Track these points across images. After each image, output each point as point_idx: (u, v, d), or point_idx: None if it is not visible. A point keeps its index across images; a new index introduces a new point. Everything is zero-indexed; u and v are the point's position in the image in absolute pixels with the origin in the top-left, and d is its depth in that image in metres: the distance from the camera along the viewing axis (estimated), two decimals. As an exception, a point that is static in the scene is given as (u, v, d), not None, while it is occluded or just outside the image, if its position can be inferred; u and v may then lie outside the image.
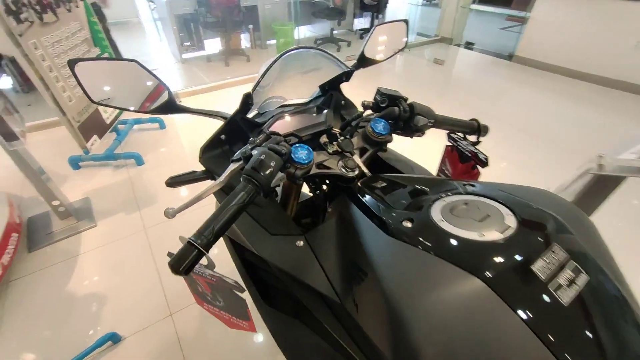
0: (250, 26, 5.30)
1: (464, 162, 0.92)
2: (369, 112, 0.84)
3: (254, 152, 0.62)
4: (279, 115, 0.88)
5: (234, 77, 4.23)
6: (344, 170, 0.72)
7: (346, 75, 0.94)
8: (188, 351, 1.46)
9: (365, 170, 0.74)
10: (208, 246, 0.50)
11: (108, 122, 2.59)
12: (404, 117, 0.77)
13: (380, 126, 0.77)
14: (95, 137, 2.40)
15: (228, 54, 4.98)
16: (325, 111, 0.95)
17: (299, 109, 0.93)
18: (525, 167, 2.65)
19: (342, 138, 0.75)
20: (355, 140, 0.78)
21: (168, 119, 3.32)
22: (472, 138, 0.87)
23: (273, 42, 5.45)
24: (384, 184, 0.67)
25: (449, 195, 0.56)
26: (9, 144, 1.62)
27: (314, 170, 0.69)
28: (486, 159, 0.84)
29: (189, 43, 5.06)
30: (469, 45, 5.67)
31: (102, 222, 2.10)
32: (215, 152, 0.85)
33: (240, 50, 5.11)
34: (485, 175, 0.87)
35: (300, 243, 0.66)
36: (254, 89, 0.83)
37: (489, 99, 3.83)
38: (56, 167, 2.57)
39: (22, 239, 1.93)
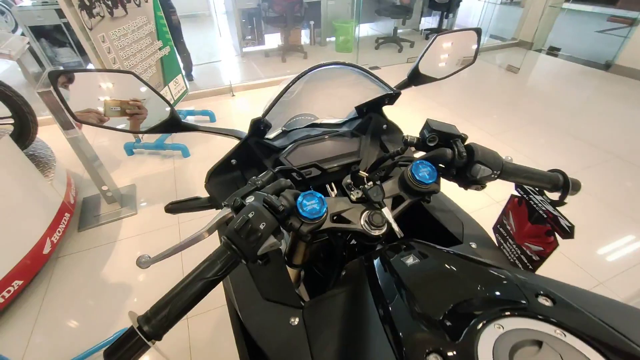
0: (312, 22, 5.22)
1: (535, 222, 0.69)
2: (411, 150, 0.66)
3: (248, 200, 0.49)
4: (301, 141, 0.74)
5: (289, 74, 4.19)
6: (367, 226, 0.56)
7: (389, 98, 0.76)
8: (197, 356, 1.42)
9: (396, 229, 0.56)
10: (158, 336, 0.38)
11: (162, 112, 2.70)
12: (459, 163, 0.57)
13: (425, 172, 0.59)
14: (148, 126, 2.52)
15: (286, 49, 4.98)
16: (361, 138, 0.79)
17: (328, 132, 0.78)
18: (619, 208, 2.16)
19: (370, 183, 0.58)
20: (390, 184, 0.61)
21: (220, 112, 3.39)
22: (553, 195, 0.64)
23: (333, 39, 5.31)
24: (418, 259, 0.49)
25: (512, 315, 0.36)
26: (65, 132, 1.73)
27: (327, 224, 0.54)
28: (571, 228, 0.60)
29: (250, 37, 5.15)
30: (553, 51, 4.92)
31: (142, 211, 2.18)
32: (224, 177, 0.74)
33: (299, 47, 5.06)
34: (567, 213, 0.62)
35: (295, 321, 0.52)
36: (267, 111, 0.70)
37: (573, 116, 3.24)
38: (114, 152, 2.76)
39: (74, 218, 2.08)
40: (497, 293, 0.41)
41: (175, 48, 3.02)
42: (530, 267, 0.72)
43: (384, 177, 0.66)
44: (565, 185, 0.60)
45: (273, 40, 5.28)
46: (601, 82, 3.99)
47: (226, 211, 0.50)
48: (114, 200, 2.15)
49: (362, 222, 0.56)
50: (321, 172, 0.73)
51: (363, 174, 0.59)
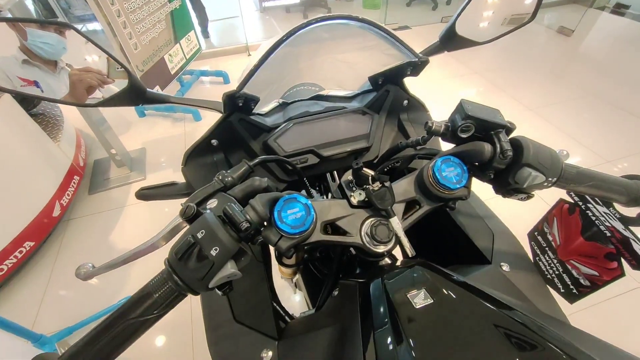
0: (337, -27, 4.75)
1: (591, 239, 0.53)
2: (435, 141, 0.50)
3: (208, 209, 0.36)
4: (298, 120, 0.60)
5: (310, 32, 3.87)
6: (369, 240, 0.43)
7: (413, 68, 0.59)
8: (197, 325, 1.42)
9: (407, 246, 0.43)
10: None
11: (173, 72, 2.56)
12: (500, 164, 0.41)
13: (452, 172, 0.43)
14: (157, 87, 2.39)
15: (308, 4, 4.58)
16: (374, 117, 0.63)
17: (333, 108, 0.63)
18: None
19: (377, 184, 0.43)
20: (404, 185, 0.46)
21: (234, 73, 3.21)
22: (627, 210, 0.47)
23: (360, -7, 4.83)
24: (430, 298, 0.35)
25: None
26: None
27: (315, 237, 0.41)
28: (647, 258, 0.45)
29: (271, -10, 4.76)
30: (619, 9, 4.21)
31: (151, 176, 2.14)
32: (204, 160, 0.61)
33: (323, 2, 4.64)
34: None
35: (268, 356, 0.41)
36: (244, 83, 0.55)
37: (633, 89, 2.81)
38: (126, 113, 2.69)
39: (85, 180, 2.07)
40: None
41: (188, 0, 2.80)
42: (575, 291, 0.57)
43: (397, 174, 0.52)
44: (647, 198, 0.43)
45: (295, -6, 4.86)
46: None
47: (176, 222, 0.39)
48: (123, 164, 2.11)
49: (363, 234, 0.43)
50: (320, 159, 0.59)
51: (367, 171, 0.44)
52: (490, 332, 0.31)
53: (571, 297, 0.58)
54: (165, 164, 2.23)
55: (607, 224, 0.50)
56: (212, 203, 0.37)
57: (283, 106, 0.68)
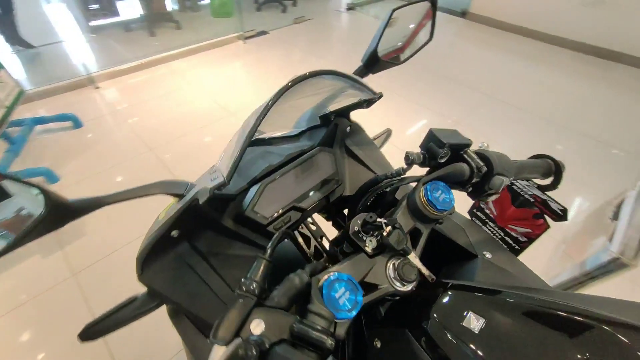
0: (175, -18, 4.39)
1: (521, 206, 0.68)
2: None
3: (258, 336, 0.30)
4: (267, 180, 0.54)
5: (166, 51, 3.49)
6: (398, 282, 0.44)
7: (368, 102, 0.62)
8: None
9: (427, 273, 0.46)
10: None
11: (-8, 129, 1.92)
12: (477, 178, 0.49)
13: (442, 194, 0.48)
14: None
15: (152, 19, 4.10)
16: (335, 154, 0.63)
17: (294, 155, 0.60)
18: (480, 129, 2.57)
19: (389, 228, 0.44)
20: (401, 218, 0.49)
21: (86, 113, 2.64)
22: (541, 181, 0.62)
23: (207, 1, 4.61)
24: (482, 317, 0.39)
25: None
26: None
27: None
28: (564, 211, 0.60)
29: (96, 6, 4.03)
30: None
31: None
32: (166, 258, 0.50)
33: (167, 15, 4.23)
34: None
35: None
36: (233, 169, 0.46)
37: (444, 59, 3.65)
38: None
39: None
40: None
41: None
42: (517, 247, 0.72)
43: (386, 207, 0.54)
44: (558, 171, 0.58)
45: (130, 9, 4.26)
46: (460, 29, 4.56)
47: (220, 352, 0.31)
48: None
49: (392, 279, 0.44)
50: (302, 213, 0.56)
51: (380, 220, 0.45)
52: (542, 322, 0.37)
53: (515, 252, 0.73)
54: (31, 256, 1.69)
55: (530, 193, 0.65)
56: (257, 325, 0.32)
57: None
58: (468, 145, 0.50)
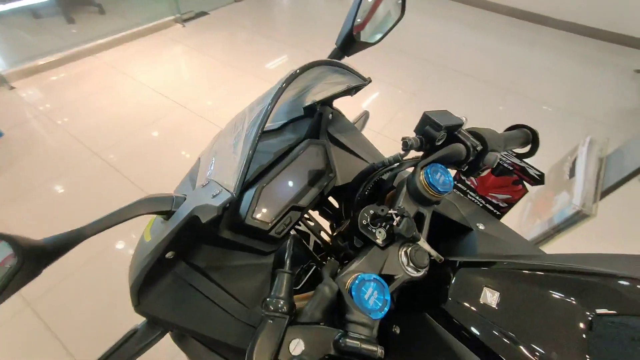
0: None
1: (500, 175, 0.72)
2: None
3: (299, 356, 0.28)
4: (263, 179, 0.50)
5: (92, 40, 3.08)
6: (412, 269, 0.44)
7: (355, 89, 0.59)
8: None
9: (435, 254, 0.47)
10: None
11: None
12: (472, 157, 0.50)
13: (442, 177, 0.49)
14: None
15: (67, 3, 3.56)
16: (326, 145, 0.60)
17: (283, 152, 0.56)
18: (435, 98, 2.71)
19: (398, 218, 0.44)
20: (403, 203, 0.49)
21: (3, 117, 2.27)
22: (518, 149, 0.66)
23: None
24: (496, 290, 0.41)
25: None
26: None
27: None
28: (541, 175, 0.65)
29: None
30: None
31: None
32: (164, 282, 0.45)
33: (87, -3, 3.70)
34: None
35: None
36: (243, 178, 0.41)
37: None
38: None
39: None
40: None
41: None
42: (498, 213, 0.77)
43: (384, 194, 0.53)
44: (535, 138, 0.62)
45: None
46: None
47: None
48: None
49: (406, 267, 0.44)
50: (301, 212, 0.53)
51: (391, 211, 0.44)
52: (548, 286, 0.40)
53: (496, 217, 0.78)
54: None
55: (509, 161, 0.69)
56: (297, 345, 0.30)
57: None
58: (461, 124, 0.50)
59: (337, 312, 0.34)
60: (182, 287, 0.45)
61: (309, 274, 0.67)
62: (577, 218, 0.76)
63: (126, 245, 1.67)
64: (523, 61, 3.40)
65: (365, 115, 0.83)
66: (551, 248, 0.87)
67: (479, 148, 0.49)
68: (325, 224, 0.76)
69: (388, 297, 0.37)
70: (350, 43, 0.65)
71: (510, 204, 0.74)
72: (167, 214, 0.44)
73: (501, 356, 0.36)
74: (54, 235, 0.34)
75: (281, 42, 3.44)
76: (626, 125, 2.72)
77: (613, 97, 3.02)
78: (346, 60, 0.69)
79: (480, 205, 0.79)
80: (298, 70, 0.42)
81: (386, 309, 0.36)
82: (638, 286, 0.37)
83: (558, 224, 0.79)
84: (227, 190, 0.38)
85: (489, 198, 0.77)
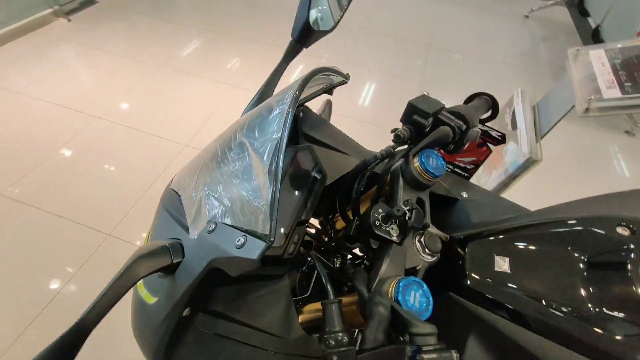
0: None
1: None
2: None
3: None
4: None
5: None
6: (428, 257, 0.46)
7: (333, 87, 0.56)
8: None
9: (442, 235, 0.49)
10: None
11: None
12: (457, 135, 0.52)
13: (435, 161, 0.50)
14: None
15: None
16: (309, 147, 0.58)
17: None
18: (365, 64, 2.80)
19: (407, 208, 0.45)
20: (402, 193, 0.50)
21: None
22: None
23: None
24: (505, 256, 0.45)
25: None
26: None
27: None
28: (503, 136, 0.71)
29: None
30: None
31: None
32: (187, 343, 0.40)
33: None
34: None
35: None
36: (275, 217, 0.36)
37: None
38: None
39: None
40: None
41: None
42: (466, 175, 0.84)
43: (381, 187, 0.53)
44: (495, 103, 0.66)
45: None
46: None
47: None
48: None
49: (424, 256, 0.46)
50: (306, 222, 0.51)
51: (403, 208, 0.44)
52: (545, 241, 0.45)
53: (465, 178, 0.85)
54: None
55: (472, 127, 0.74)
56: None
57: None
58: (443, 107, 0.52)
59: (393, 326, 0.34)
60: (209, 339, 0.41)
61: (314, 277, 0.66)
62: (527, 164, 0.87)
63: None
64: (431, 16, 3.62)
65: (329, 104, 0.80)
66: (509, 193, 1.00)
67: (464, 127, 0.51)
68: (313, 221, 0.75)
69: (429, 294, 0.38)
70: (307, 34, 0.60)
71: (477, 165, 0.80)
72: (169, 268, 0.39)
73: (527, 314, 0.40)
74: (52, 344, 0.28)
75: (190, 26, 3.12)
76: (526, 65, 3.12)
77: (510, 41, 3.41)
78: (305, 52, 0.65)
79: (449, 170, 0.85)
80: (297, 93, 0.38)
81: (431, 307, 0.37)
82: (615, 225, 0.44)
83: (513, 173, 0.90)
84: (258, 238, 0.34)
85: (457, 162, 0.82)
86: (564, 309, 0.39)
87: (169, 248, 0.40)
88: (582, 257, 0.42)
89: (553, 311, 0.39)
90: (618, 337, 0.33)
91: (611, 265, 0.40)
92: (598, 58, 0.94)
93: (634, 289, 0.35)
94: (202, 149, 0.56)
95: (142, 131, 2.15)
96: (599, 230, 0.44)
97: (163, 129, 2.17)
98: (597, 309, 0.36)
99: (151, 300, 0.40)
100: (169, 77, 2.56)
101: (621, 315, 0.35)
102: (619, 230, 0.43)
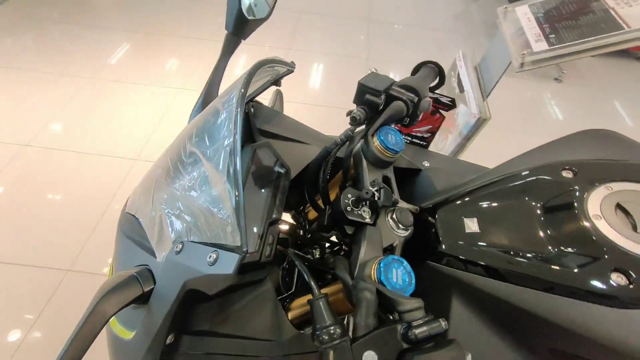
0: None
1: (419, 111, 0.79)
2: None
3: None
4: None
5: None
6: (403, 231, 0.47)
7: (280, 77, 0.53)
8: None
9: (412, 208, 0.51)
10: None
11: None
12: (411, 109, 0.52)
13: (393, 137, 0.50)
14: None
15: None
16: (267, 143, 0.56)
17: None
18: (310, 48, 2.77)
19: (375, 189, 0.45)
20: (367, 172, 0.50)
21: None
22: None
23: None
24: (474, 216, 0.47)
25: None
26: None
27: None
28: (453, 100, 0.73)
29: None
30: None
31: None
32: None
33: None
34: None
35: None
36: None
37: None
38: None
39: None
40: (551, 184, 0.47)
41: None
42: (424, 143, 0.86)
43: (346, 171, 0.53)
44: (441, 71, 0.68)
45: None
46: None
47: None
48: None
49: (398, 231, 0.47)
50: (278, 220, 0.49)
51: (371, 189, 0.44)
52: (505, 194, 0.48)
53: (424, 147, 0.88)
54: None
55: (423, 97, 0.75)
56: (371, 358, 0.29)
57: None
58: (393, 82, 0.51)
59: (381, 307, 0.34)
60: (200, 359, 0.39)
61: (296, 271, 0.66)
62: (479, 124, 0.91)
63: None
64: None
65: (279, 95, 0.78)
66: (466, 154, 1.05)
67: (416, 100, 0.51)
68: (286, 216, 0.74)
69: (409, 269, 0.38)
70: (242, 24, 0.57)
71: (433, 132, 0.83)
72: (141, 298, 0.36)
73: (500, 268, 0.43)
74: None
75: (115, 30, 2.85)
76: (461, 27, 3.25)
77: (445, 4, 3.52)
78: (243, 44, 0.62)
79: (408, 142, 0.87)
80: (243, 90, 0.35)
81: (414, 282, 0.38)
82: (560, 169, 0.47)
83: (467, 134, 0.94)
84: (230, 251, 0.32)
85: (414, 133, 0.84)
86: (529, 255, 0.41)
87: (137, 277, 0.37)
88: (538, 204, 0.45)
89: (520, 259, 0.42)
90: (575, 270, 0.36)
91: (561, 207, 0.43)
92: (524, 14, 1.00)
93: (581, 224, 0.38)
94: (152, 164, 0.51)
95: (83, 152, 1.96)
96: (547, 177, 0.47)
97: (107, 146, 2.00)
98: (556, 249, 0.39)
99: (128, 335, 0.37)
100: (102, 88, 2.34)
101: (574, 250, 0.38)
102: (564, 173, 0.46)
